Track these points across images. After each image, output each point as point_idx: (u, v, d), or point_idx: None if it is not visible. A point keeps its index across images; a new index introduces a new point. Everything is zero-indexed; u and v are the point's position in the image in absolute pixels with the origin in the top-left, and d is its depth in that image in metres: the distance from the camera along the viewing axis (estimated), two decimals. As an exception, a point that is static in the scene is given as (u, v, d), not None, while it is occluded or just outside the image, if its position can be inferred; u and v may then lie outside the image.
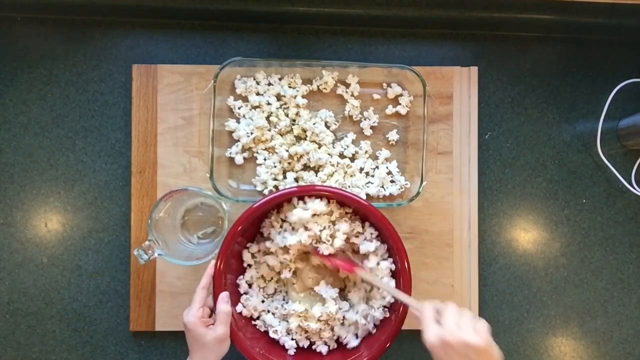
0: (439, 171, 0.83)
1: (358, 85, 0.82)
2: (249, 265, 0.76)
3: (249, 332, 0.73)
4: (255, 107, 0.81)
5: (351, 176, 0.81)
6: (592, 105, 0.87)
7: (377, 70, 0.82)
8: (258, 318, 0.75)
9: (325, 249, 0.71)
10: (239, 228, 0.70)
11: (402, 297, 0.69)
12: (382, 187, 0.81)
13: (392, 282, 0.73)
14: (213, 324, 0.67)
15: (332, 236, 0.72)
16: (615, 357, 0.86)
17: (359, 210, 0.75)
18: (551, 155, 0.86)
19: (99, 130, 0.83)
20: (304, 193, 0.72)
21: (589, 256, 0.86)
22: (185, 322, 0.66)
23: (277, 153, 0.80)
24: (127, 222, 0.82)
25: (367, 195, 0.80)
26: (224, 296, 0.69)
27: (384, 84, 0.83)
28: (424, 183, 0.78)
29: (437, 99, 0.83)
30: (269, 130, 0.80)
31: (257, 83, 0.82)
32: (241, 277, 0.75)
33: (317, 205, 0.71)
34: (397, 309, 0.71)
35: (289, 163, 0.81)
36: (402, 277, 0.71)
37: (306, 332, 0.74)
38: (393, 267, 0.74)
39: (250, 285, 0.76)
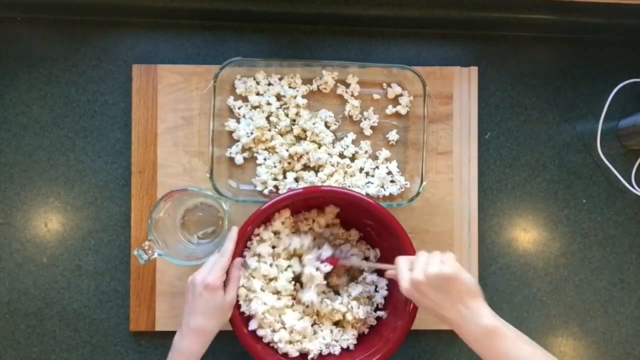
0: (439, 171, 0.83)
1: (358, 85, 0.82)
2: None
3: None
4: (255, 107, 0.81)
5: (351, 176, 0.81)
6: (592, 105, 0.87)
7: (377, 70, 0.82)
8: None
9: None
10: (248, 229, 0.71)
11: (380, 266, 0.72)
12: (382, 187, 0.81)
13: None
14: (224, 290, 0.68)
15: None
16: (615, 357, 0.86)
17: (363, 210, 0.75)
18: (551, 155, 0.86)
19: (99, 130, 0.83)
20: (309, 195, 0.73)
21: (589, 256, 0.86)
22: (208, 283, 0.65)
23: (277, 153, 0.80)
24: (127, 222, 0.82)
25: (367, 195, 0.80)
26: (238, 262, 0.70)
27: (384, 84, 0.83)
28: (424, 183, 0.78)
29: (437, 99, 0.83)
30: (269, 130, 0.80)
31: (257, 83, 0.82)
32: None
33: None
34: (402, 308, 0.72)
35: (289, 163, 0.81)
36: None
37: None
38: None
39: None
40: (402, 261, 0.65)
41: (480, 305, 0.60)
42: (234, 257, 0.70)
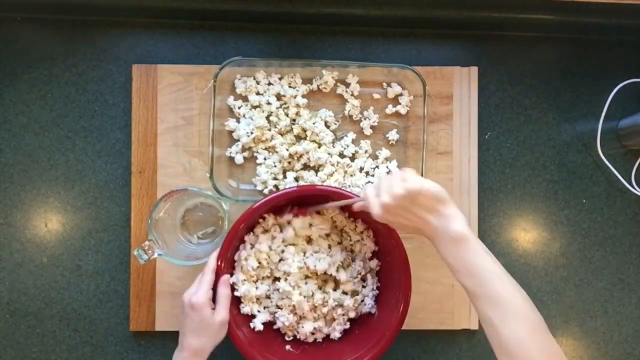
0: (439, 171, 0.83)
1: (358, 85, 0.82)
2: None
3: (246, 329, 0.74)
4: (255, 107, 0.81)
5: (351, 176, 0.81)
6: (592, 105, 0.87)
7: (377, 70, 0.82)
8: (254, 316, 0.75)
9: None
10: (241, 226, 0.71)
11: (347, 202, 0.69)
12: (382, 187, 0.81)
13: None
14: (213, 308, 0.67)
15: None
16: (615, 357, 0.86)
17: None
18: (551, 155, 0.86)
19: (99, 130, 0.83)
20: (305, 193, 0.72)
21: (589, 256, 0.86)
22: (192, 303, 0.65)
23: (277, 152, 0.80)
24: (127, 222, 0.82)
25: (367, 195, 0.80)
26: (226, 279, 0.69)
27: (384, 84, 0.83)
28: (424, 183, 0.78)
29: (437, 99, 0.83)
30: (269, 129, 0.81)
31: (257, 83, 0.82)
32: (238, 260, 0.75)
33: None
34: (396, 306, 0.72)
35: (289, 162, 0.81)
36: (402, 277, 0.71)
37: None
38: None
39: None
40: (368, 189, 0.64)
41: (452, 211, 0.60)
42: (223, 273, 0.70)
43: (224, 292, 0.68)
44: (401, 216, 0.62)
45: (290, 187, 0.74)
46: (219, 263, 0.70)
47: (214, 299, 0.68)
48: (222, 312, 0.67)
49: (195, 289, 0.67)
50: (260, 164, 0.80)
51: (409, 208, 0.60)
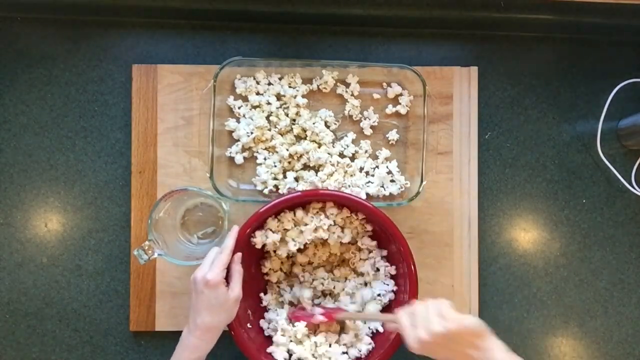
0: (439, 171, 0.83)
1: (358, 84, 0.82)
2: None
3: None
4: (255, 107, 0.82)
5: (351, 176, 0.81)
6: (592, 105, 0.87)
7: (377, 70, 0.82)
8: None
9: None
10: (247, 231, 0.71)
11: (381, 318, 0.72)
12: (382, 186, 0.81)
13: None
14: (226, 286, 0.68)
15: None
16: (615, 357, 0.86)
17: (362, 213, 0.75)
18: (551, 155, 0.86)
19: (99, 130, 0.83)
20: (309, 198, 0.73)
21: (589, 256, 0.86)
22: (208, 280, 0.65)
23: (277, 152, 0.80)
24: (127, 222, 0.82)
25: (367, 194, 0.80)
26: (239, 257, 0.70)
27: (384, 84, 0.83)
28: (424, 183, 0.78)
29: (437, 98, 0.83)
30: (269, 129, 0.81)
31: (257, 83, 0.82)
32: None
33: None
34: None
35: (289, 162, 0.81)
36: (408, 278, 0.72)
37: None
38: (393, 271, 0.76)
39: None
40: (403, 317, 0.63)
41: (490, 344, 0.60)
42: (233, 254, 0.70)
43: (238, 268, 0.69)
44: (438, 352, 0.61)
45: (296, 192, 0.74)
46: (242, 231, 0.71)
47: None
48: (237, 288, 0.68)
49: (208, 267, 0.67)
50: (260, 164, 0.80)
51: (448, 345, 0.60)
